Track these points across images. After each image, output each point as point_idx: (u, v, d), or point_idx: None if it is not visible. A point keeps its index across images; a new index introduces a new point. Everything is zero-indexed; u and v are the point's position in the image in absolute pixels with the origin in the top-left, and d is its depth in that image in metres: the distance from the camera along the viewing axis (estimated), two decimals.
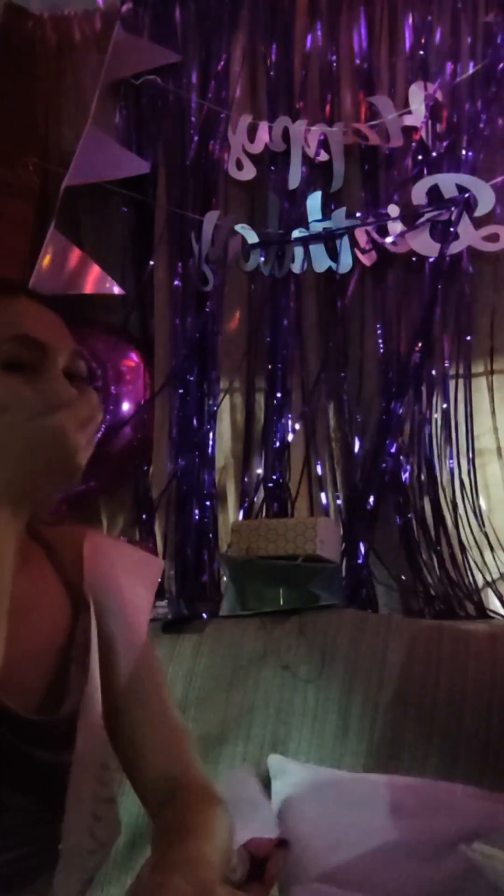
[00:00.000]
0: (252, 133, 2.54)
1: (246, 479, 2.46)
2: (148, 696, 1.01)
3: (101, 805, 0.93)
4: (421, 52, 2.47)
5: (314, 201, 2.45)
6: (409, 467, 2.32)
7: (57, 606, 0.98)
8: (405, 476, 2.31)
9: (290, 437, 2.42)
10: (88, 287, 2.49)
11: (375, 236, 2.39)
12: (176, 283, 2.58)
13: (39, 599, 0.96)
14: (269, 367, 2.48)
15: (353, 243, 2.40)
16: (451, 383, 2.34)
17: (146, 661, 1.03)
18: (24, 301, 0.94)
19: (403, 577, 2.26)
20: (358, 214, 2.42)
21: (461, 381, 2.34)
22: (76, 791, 0.90)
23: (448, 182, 2.32)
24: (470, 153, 2.36)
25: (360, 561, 2.27)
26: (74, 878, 0.91)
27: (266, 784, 1.66)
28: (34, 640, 0.93)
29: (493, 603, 2.19)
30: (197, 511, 2.44)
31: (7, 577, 0.81)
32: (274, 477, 2.41)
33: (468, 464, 2.29)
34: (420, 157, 2.40)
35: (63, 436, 0.82)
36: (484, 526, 2.24)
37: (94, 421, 0.87)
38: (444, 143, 2.39)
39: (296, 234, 2.45)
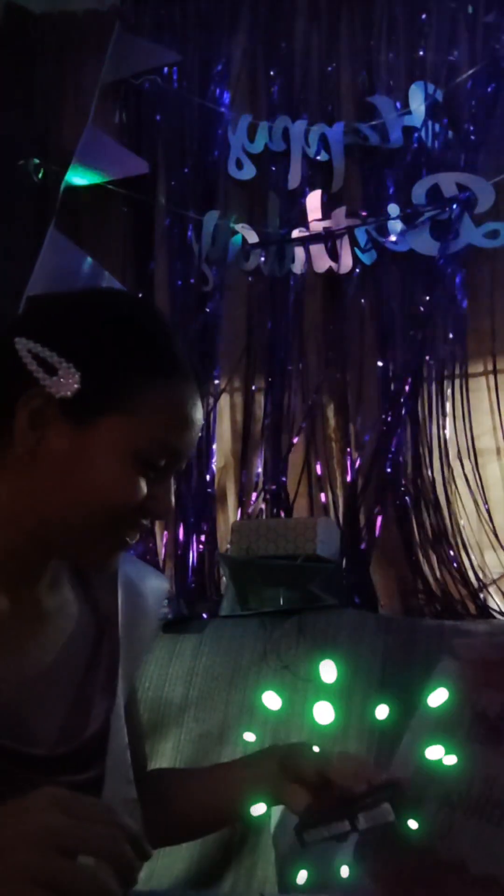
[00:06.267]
0: (252, 133, 2.54)
1: (246, 479, 2.46)
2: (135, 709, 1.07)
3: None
4: (421, 52, 2.46)
5: (314, 201, 2.44)
6: (408, 467, 2.31)
7: (81, 627, 0.96)
8: (405, 476, 2.31)
9: (290, 437, 2.42)
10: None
11: (376, 236, 2.39)
12: (176, 283, 2.58)
13: (63, 622, 0.94)
14: (269, 366, 2.48)
15: (354, 243, 2.40)
16: (451, 383, 2.34)
17: None
18: (191, 388, 0.90)
19: (403, 577, 2.26)
20: (361, 214, 2.42)
21: (461, 381, 2.33)
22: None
23: (448, 181, 2.31)
24: (470, 153, 2.35)
25: (360, 561, 2.26)
26: None
27: None
28: (52, 660, 0.92)
29: (494, 602, 2.19)
30: (197, 511, 2.44)
31: None
32: (273, 477, 2.41)
33: (468, 464, 2.29)
34: (420, 157, 2.40)
35: None
36: (483, 526, 2.24)
37: None
38: (444, 143, 2.38)
39: (296, 233, 2.45)
